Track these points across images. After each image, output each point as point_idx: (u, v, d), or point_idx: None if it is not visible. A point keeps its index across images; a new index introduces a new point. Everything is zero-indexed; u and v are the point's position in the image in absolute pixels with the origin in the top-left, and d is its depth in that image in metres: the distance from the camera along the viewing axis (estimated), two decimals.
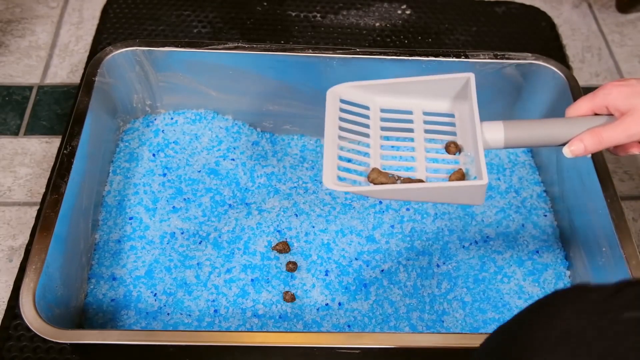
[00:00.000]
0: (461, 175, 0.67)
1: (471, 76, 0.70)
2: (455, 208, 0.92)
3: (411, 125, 0.73)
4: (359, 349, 0.67)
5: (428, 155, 0.71)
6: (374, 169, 0.69)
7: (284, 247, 0.85)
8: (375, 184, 0.68)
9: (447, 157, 0.70)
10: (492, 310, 0.83)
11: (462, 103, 0.72)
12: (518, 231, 0.89)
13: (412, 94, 0.73)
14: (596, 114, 0.66)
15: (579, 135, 0.64)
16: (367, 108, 0.74)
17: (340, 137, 0.71)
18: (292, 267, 0.84)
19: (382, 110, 0.74)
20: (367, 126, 0.73)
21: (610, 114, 0.65)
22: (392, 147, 0.72)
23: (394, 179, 0.68)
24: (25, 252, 0.87)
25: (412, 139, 0.72)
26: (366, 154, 0.71)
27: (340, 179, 0.68)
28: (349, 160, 0.70)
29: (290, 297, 0.82)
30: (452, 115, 0.73)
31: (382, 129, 0.73)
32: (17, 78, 1.08)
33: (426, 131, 0.72)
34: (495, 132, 0.67)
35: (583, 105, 0.66)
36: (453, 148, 0.70)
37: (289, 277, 0.84)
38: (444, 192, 0.66)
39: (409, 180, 0.68)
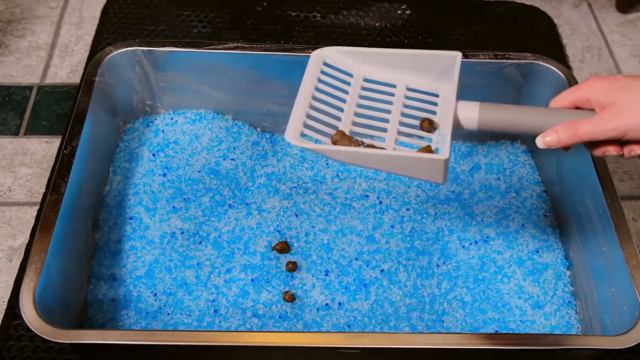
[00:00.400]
0: (427, 151, 0.65)
1: (458, 55, 0.69)
2: (455, 208, 0.92)
3: (391, 98, 0.71)
4: (359, 349, 0.67)
5: (400, 129, 0.69)
6: (339, 131, 0.67)
7: (284, 247, 0.85)
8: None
9: (421, 134, 0.68)
10: (492, 310, 0.83)
11: (448, 83, 0.70)
12: (518, 231, 0.89)
13: (399, 67, 0.71)
14: (578, 108, 0.65)
15: (555, 127, 0.63)
16: (350, 75, 0.72)
17: (314, 97, 0.70)
18: (292, 267, 0.84)
19: (365, 80, 0.72)
20: (345, 92, 0.71)
21: (593, 109, 0.63)
22: (366, 116, 0.70)
23: (357, 144, 0.67)
24: (25, 252, 0.87)
25: (388, 111, 0.70)
26: (338, 118, 0.69)
27: (303, 136, 0.67)
28: (319, 121, 0.69)
29: (290, 297, 0.82)
30: (436, 95, 0.71)
31: (360, 97, 0.71)
32: (17, 78, 1.08)
33: (405, 106, 0.70)
34: (470, 112, 0.66)
35: (566, 97, 0.65)
36: (427, 125, 0.68)
37: (289, 277, 0.84)
38: (402, 163, 0.64)
39: (372, 146, 0.66)
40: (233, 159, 0.95)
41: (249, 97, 0.96)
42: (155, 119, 0.98)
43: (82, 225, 0.82)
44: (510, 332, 0.80)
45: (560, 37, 1.20)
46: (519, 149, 0.99)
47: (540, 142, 0.64)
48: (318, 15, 1.20)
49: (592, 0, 1.28)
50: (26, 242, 0.89)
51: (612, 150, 0.63)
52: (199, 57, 0.91)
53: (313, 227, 0.88)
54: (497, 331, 0.81)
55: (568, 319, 0.82)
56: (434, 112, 0.70)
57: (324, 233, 0.88)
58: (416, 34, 1.17)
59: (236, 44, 0.91)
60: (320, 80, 0.71)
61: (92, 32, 1.15)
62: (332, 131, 0.68)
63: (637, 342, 0.67)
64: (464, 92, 0.95)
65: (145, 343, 0.66)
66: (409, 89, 0.72)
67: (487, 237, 0.89)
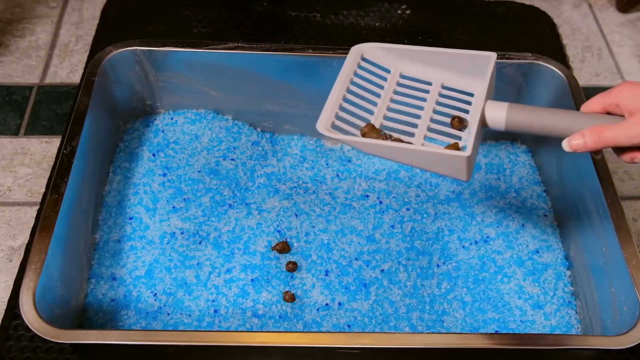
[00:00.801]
0: (455, 148, 0.66)
1: (493, 55, 0.69)
2: (455, 208, 0.92)
3: (425, 95, 0.72)
4: (359, 349, 0.67)
5: (431, 126, 0.70)
6: (368, 124, 0.69)
7: (284, 247, 0.85)
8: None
9: (451, 131, 0.69)
10: (492, 310, 0.83)
11: (482, 83, 0.70)
12: (518, 231, 0.89)
13: (437, 65, 0.72)
14: (609, 113, 0.65)
15: (582, 131, 0.63)
16: (387, 71, 0.73)
17: (349, 91, 0.71)
18: (292, 267, 0.84)
19: (402, 77, 0.73)
20: (381, 87, 0.72)
21: (622, 115, 0.63)
22: (399, 111, 0.71)
23: (385, 137, 0.68)
24: (25, 252, 0.87)
25: (421, 108, 0.71)
26: (370, 112, 0.70)
27: (335, 128, 0.69)
28: (351, 114, 0.70)
29: (290, 297, 0.82)
30: (471, 95, 0.72)
31: (395, 92, 0.72)
32: (17, 78, 1.09)
33: (438, 103, 0.71)
34: (498, 111, 0.67)
35: (597, 102, 0.64)
36: (457, 123, 0.69)
37: (289, 277, 0.84)
38: (427, 158, 0.65)
39: (399, 141, 0.67)
40: (233, 159, 0.95)
41: (249, 97, 0.96)
42: (155, 119, 0.98)
43: (82, 225, 0.82)
44: (510, 332, 0.80)
45: (560, 37, 1.20)
46: (519, 149, 0.99)
47: (566, 145, 0.64)
48: (318, 15, 1.20)
49: (592, 0, 1.28)
50: (26, 242, 0.89)
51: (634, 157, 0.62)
52: (199, 57, 0.91)
53: (313, 227, 0.88)
54: (497, 331, 0.81)
55: (568, 319, 0.82)
56: (466, 111, 0.70)
57: (324, 233, 0.88)
58: (416, 34, 1.17)
59: (236, 44, 0.91)
60: (356, 75, 0.72)
61: (92, 32, 1.15)
62: (362, 124, 0.69)
63: (637, 342, 0.67)
64: (463, 92, 0.95)
65: (145, 343, 0.67)
66: (444, 87, 0.72)
67: (487, 237, 0.89)
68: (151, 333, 0.72)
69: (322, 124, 0.68)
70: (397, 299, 0.83)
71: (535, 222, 0.91)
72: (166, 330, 0.77)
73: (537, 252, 0.88)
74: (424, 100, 0.72)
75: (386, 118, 0.71)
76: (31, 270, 0.69)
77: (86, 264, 0.82)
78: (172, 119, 0.98)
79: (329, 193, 0.93)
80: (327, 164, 0.96)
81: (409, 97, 0.72)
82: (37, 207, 0.93)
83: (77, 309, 0.79)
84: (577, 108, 0.87)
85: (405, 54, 0.73)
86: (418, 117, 0.71)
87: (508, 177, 0.96)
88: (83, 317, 0.80)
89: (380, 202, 0.92)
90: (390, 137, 0.68)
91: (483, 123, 0.68)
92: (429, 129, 0.70)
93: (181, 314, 0.80)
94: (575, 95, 0.88)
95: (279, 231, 0.87)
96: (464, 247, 0.88)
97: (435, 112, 0.71)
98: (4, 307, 0.83)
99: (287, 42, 1.14)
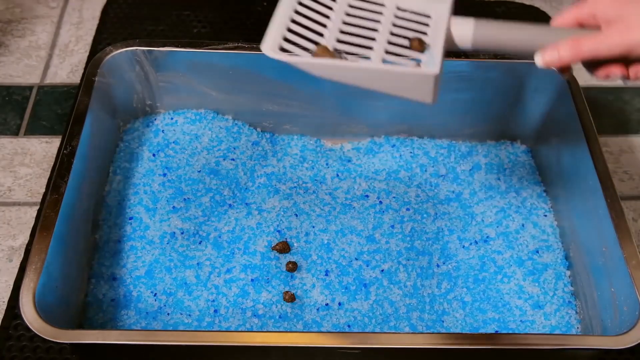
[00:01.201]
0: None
1: None
2: (455, 208, 0.92)
3: (379, 17, 0.66)
4: (359, 349, 0.67)
5: (389, 48, 0.63)
6: (320, 46, 0.63)
7: (284, 247, 0.85)
8: None
9: (410, 54, 0.64)
10: (492, 310, 0.83)
11: (441, 3, 0.66)
12: (518, 231, 0.89)
13: None
14: (583, 27, 0.59)
15: (555, 43, 0.57)
16: None
17: (297, 11, 0.65)
18: (292, 267, 0.84)
19: None
20: (330, 9, 0.66)
21: (598, 27, 0.57)
22: (352, 34, 0.65)
23: (339, 58, 0.62)
24: (25, 252, 0.87)
25: (376, 30, 0.65)
26: (321, 35, 0.64)
27: (283, 51, 0.64)
28: (300, 36, 0.65)
29: (290, 297, 0.82)
30: (428, 17, 0.66)
31: (346, 14, 0.66)
32: (17, 78, 1.08)
33: (394, 25, 0.66)
34: (465, 28, 0.62)
35: (569, 14, 0.59)
36: (417, 44, 0.63)
37: (289, 277, 0.84)
38: (389, 77, 0.60)
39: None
40: (233, 159, 0.95)
41: (249, 97, 0.96)
42: (155, 119, 0.98)
43: (82, 225, 0.82)
44: (510, 332, 0.80)
45: None
46: (519, 149, 0.99)
47: (539, 60, 0.59)
48: None
49: None
50: (26, 242, 0.89)
51: (616, 72, 0.57)
52: (199, 57, 0.91)
53: (313, 227, 0.88)
54: (497, 331, 0.81)
55: (568, 319, 0.82)
56: (425, 34, 0.65)
57: (324, 233, 0.88)
58: None
59: (236, 44, 0.91)
60: None
61: (92, 32, 1.15)
62: (313, 47, 0.64)
63: (637, 342, 0.67)
64: (463, 92, 0.96)
65: (145, 343, 0.67)
66: (399, 9, 0.67)
67: (487, 237, 0.89)
68: (151, 333, 0.72)
69: (268, 45, 0.62)
70: (397, 299, 0.83)
71: (535, 222, 0.91)
72: (166, 330, 0.77)
73: (537, 252, 0.88)
74: (378, 22, 0.66)
75: (339, 41, 0.65)
76: (31, 270, 0.69)
77: (86, 264, 0.82)
78: (172, 119, 0.98)
79: (329, 193, 0.93)
80: (327, 164, 0.96)
81: (361, 20, 0.66)
82: (37, 207, 0.93)
83: (77, 309, 0.79)
84: (577, 109, 0.87)
85: None
86: (373, 39, 0.64)
87: (508, 177, 0.96)
88: (83, 317, 0.80)
89: (380, 202, 0.92)
90: (346, 59, 0.62)
91: (449, 41, 0.63)
92: (387, 52, 0.64)
93: (181, 314, 0.80)
94: (575, 96, 0.88)
95: (279, 231, 0.87)
96: (464, 247, 0.88)
97: (392, 34, 0.65)
98: (4, 307, 0.83)
99: None
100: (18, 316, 0.82)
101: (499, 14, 1.22)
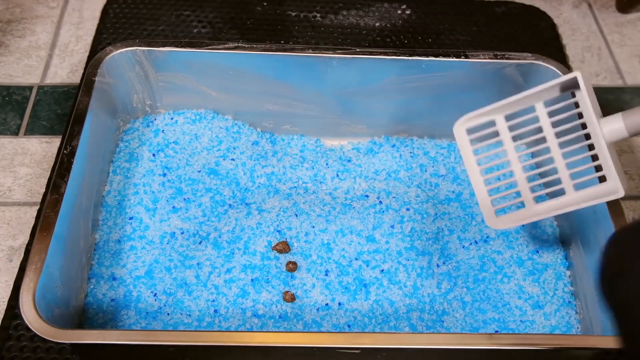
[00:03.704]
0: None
1: (577, 74, 0.71)
2: (455, 208, 0.92)
3: (541, 129, 0.76)
4: (359, 349, 0.67)
5: (571, 172, 0.75)
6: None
7: (284, 247, 0.85)
8: None
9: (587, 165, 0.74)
10: (492, 310, 0.83)
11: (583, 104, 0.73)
12: (518, 231, 0.89)
13: (532, 106, 0.77)
14: None
15: None
16: (493, 123, 0.78)
17: (482, 170, 0.79)
18: (292, 267, 0.84)
19: (507, 118, 0.78)
20: (500, 144, 0.78)
21: None
22: (529, 155, 0.83)
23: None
24: (25, 252, 0.87)
25: (551, 159, 0.76)
26: (511, 174, 0.79)
27: (498, 212, 0.78)
28: (498, 189, 0.79)
29: (290, 297, 0.82)
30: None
31: (514, 138, 0.79)
32: (17, 78, 1.08)
33: (560, 146, 0.75)
34: (615, 125, 0.69)
35: None
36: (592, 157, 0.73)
37: (289, 277, 0.84)
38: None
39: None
40: (233, 159, 0.95)
41: (249, 97, 0.96)
42: (155, 119, 0.98)
43: (82, 225, 0.82)
44: (510, 332, 0.80)
45: (560, 37, 1.20)
46: (519, 149, 0.99)
47: None
48: (318, 15, 1.20)
49: (592, 0, 1.28)
50: (26, 242, 0.89)
51: None
52: (199, 57, 0.91)
53: (313, 227, 0.88)
54: (497, 331, 0.81)
55: (568, 319, 0.82)
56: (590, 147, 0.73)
57: (324, 233, 0.88)
58: (416, 34, 1.17)
59: (236, 44, 0.91)
60: (475, 151, 0.79)
61: (92, 32, 1.15)
62: (514, 190, 0.79)
63: None
64: (463, 92, 0.96)
65: (145, 343, 0.67)
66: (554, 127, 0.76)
67: (487, 237, 0.89)
68: (151, 333, 0.72)
69: (491, 219, 0.77)
70: (397, 299, 0.83)
71: (535, 222, 0.91)
72: (166, 330, 0.77)
73: (537, 252, 0.88)
74: (548, 151, 0.76)
75: (524, 169, 0.79)
76: (31, 270, 0.69)
77: (86, 264, 0.82)
78: (172, 119, 0.98)
79: (329, 193, 0.93)
80: (327, 164, 0.96)
81: (527, 137, 0.78)
82: (37, 207, 0.93)
83: (77, 309, 0.79)
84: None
85: (502, 110, 0.77)
86: (555, 171, 0.76)
87: (508, 177, 0.95)
88: (83, 317, 0.80)
89: (380, 202, 0.92)
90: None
91: (608, 140, 0.70)
92: (571, 176, 0.75)
93: (181, 314, 0.80)
94: None
95: (279, 231, 0.87)
96: (463, 247, 0.88)
97: (564, 155, 0.75)
98: (4, 307, 0.83)
99: (287, 42, 1.14)
100: (18, 316, 0.82)
101: (499, 14, 1.22)
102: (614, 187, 0.69)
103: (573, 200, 0.74)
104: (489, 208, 0.76)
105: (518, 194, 0.79)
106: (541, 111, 0.75)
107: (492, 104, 0.77)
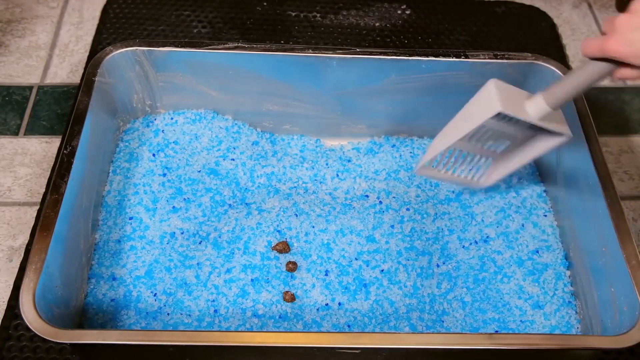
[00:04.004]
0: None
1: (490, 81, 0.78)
2: (455, 208, 0.92)
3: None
4: (359, 349, 0.67)
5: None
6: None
7: (284, 247, 0.85)
8: None
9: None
10: (492, 310, 0.83)
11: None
12: (518, 231, 0.89)
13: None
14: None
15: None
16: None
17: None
18: (292, 267, 0.84)
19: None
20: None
21: None
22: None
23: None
24: (25, 252, 0.87)
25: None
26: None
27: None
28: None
29: (290, 297, 0.82)
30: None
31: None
32: (17, 78, 1.08)
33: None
34: (537, 105, 0.76)
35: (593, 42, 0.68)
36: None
37: (289, 277, 0.84)
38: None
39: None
40: (233, 159, 0.95)
41: (249, 97, 0.96)
42: (155, 119, 0.98)
43: (82, 225, 0.82)
44: (510, 332, 0.80)
45: (560, 37, 1.20)
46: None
47: (617, 76, 0.68)
48: (318, 15, 1.20)
49: (592, 0, 1.28)
50: (26, 242, 0.89)
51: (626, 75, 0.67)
52: (199, 57, 0.91)
53: (313, 227, 0.88)
54: (497, 331, 0.81)
55: (568, 319, 0.82)
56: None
57: (323, 233, 0.88)
58: (416, 34, 1.17)
59: (236, 44, 0.91)
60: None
61: (92, 32, 1.15)
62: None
63: (637, 342, 0.67)
64: (463, 92, 0.95)
65: (145, 343, 0.67)
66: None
67: (487, 237, 0.89)
68: (151, 333, 0.72)
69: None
70: (397, 299, 0.83)
71: (535, 222, 0.91)
72: (166, 330, 0.77)
73: (537, 252, 0.88)
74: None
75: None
76: (31, 270, 0.69)
77: (86, 264, 0.82)
78: (172, 119, 0.98)
79: (329, 193, 0.93)
80: (327, 164, 0.96)
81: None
82: (37, 207, 0.93)
83: (77, 309, 0.79)
84: (577, 109, 0.87)
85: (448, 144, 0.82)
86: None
87: (508, 177, 0.95)
88: (83, 317, 0.80)
89: (380, 202, 0.92)
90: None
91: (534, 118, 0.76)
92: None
93: (181, 314, 0.80)
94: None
95: (278, 231, 0.87)
96: (464, 247, 0.88)
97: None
98: (4, 307, 0.83)
99: (287, 42, 1.14)
100: (18, 316, 0.82)
101: (499, 14, 1.22)
102: (561, 132, 0.76)
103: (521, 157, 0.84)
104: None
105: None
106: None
107: (438, 142, 0.82)
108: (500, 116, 0.77)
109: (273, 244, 0.86)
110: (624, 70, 0.67)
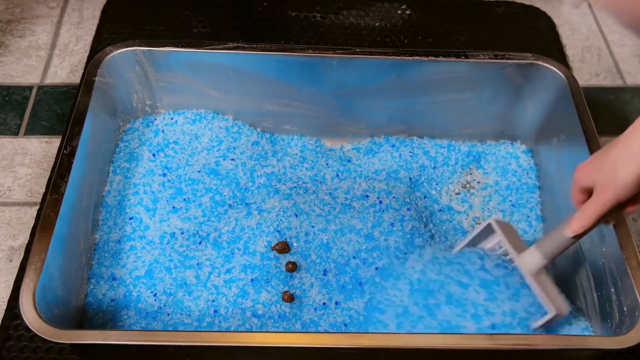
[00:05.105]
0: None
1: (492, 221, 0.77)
2: (455, 208, 0.92)
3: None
4: (359, 349, 0.67)
5: None
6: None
7: (283, 247, 0.85)
8: None
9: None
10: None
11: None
12: (518, 231, 0.89)
13: None
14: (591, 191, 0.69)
15: (571, 219, 0.70)
16: None
17: None
18: (292, 267, 0.84)
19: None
20: None
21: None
22: None
23: None
24: (25, 252, 0.87)
25: None
26: None
27: None
28: None
29: (288, 297, 0.82)
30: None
31: None
32: (17, 78, 1.09)
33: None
34: (533, 259, 0.74)
35: (576, 195, 0.71)
36: None
37: (288, 277, 0.84)
38: None
39: None
40: (233, 159, 0.95)
41: (249, 97, 0.96)
42: (155, 119, 0.98)
43: (82, 225, 0.82)
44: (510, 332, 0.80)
45: (560, 37, 1.20)
46: (519, 149, 0.99)
47: (569, 232, 0.70)
48: (318, 15, 1.20)
49: (592, 0, 1.28)
50: (26, 242, 0.89)
51: (632, 209, 0.68)
52: (199, 57, 0.91)
53: (313, 227, 0.88)
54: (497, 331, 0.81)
55: (568, 319, 0.82)
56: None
57: (323, 233, 0.88)
58: (416, 34, 1.17)
59: (236, 44, 0.91)
60: None
61: (92, 32, 1.15)
62: None
63: (637, 342, 0.67)
64: (463, 92, 0.96)
65: (145, 343, 0.67)
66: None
67: None
68: (151, 333, 0.72)
69: None
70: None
71: (535, 222, 0.90)
72: (166, 330, 0.77)
73: None
74: None
75: None
76: (31, 270, 0.69)
77: (86, 264, 0.82)
78: (172, 119, 0.98)
79: (329, 193, 0.93)
80: (327, 164, 0.96)
81: None
82: (37, 207, 0.93)
83: (77, 309, 0.79)
84: (577, 109, 0.87)
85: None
86: None
87: (508, 177, 0.96)
88: (83, 317, 0.80)
89: (381, 202, 0.92)
90: None
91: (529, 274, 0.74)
92: None
93: (181, 314, 0.80)
94: (576, 96, 0.88)
95: (278, 231, 0.87)
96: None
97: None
98: (4, 307, 0.83)
99: (287, 42, 1.14)
100: (18, 316, 0.82)
101: (499, 14, 1.22)
102: (546, 309, 0.73)
103: None
104: None
105: None
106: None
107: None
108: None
109: (273, 244, 0.86)
110: (629, 209, 0.68)
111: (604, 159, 0.65)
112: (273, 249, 0.86)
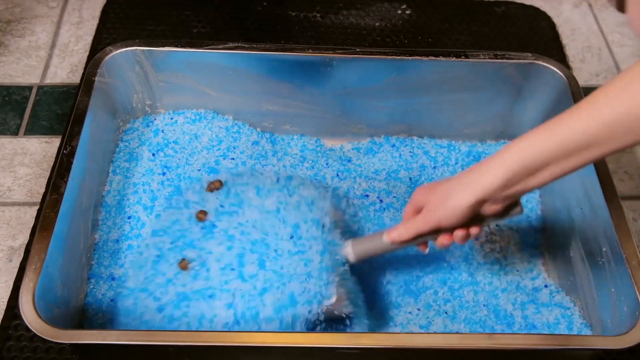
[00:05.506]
0: None
1: None
2: None
3: None
4: (359, 349, 0.67)
5: None
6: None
7: (216, 186, 0.83)
8: None
9: None
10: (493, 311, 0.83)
11: None
12: (517, 231, 0.89)
13: None
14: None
15: (397, 226, 0.73)
16: None
17: None
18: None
19: None
20: None
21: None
22: None
23: None
24: (25, 252, 0.87)
25: None
26: None
27: None
28: None
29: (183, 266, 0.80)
30: None
31: None
32: (17, 78, 1.08)
33: None
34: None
35: (409, 210, 0.73)
36: None
37: None
38: None
39: None
40: (233, 159, 0.95)
41: (249, 97, 0.96)
42: (155, 119, 0.98)
43: (82, 225, 0.82)
44: (510, 332, 0.80)
45: (560, 37, 1.20)
46: None
47: (386, 238, 0.73)
48: (318, 15, 1.20)
49: (592, 0, 1.28)
50: (26, 242, 0.89)
51: (445, 240, 0.71)
52: (199, 57, 0.91)
53: None
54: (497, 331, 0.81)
55: (568, 319, 0.82)
56: None
57: None
58: (416, 34, 1.17)
59: (236, 44, 0.91)
60: None
61: (92, 32, 1.15)
62: None
63: (637, 342, 0.67)
64: (463, 92, 0.96)
65: (145, 343, 0.66)
66: None
67: (487, 237, 0.89)
68: (151, 333, 0.72)
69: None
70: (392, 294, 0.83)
71: (534, 222, 0.91)
72: (166, 330, 0.77)
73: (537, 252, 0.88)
74: None
75: None
76: (31, 270, 0.69)
77: (86, 264, 0.82)
78: (172, 119, 0.97)
79: None
80: (327, 164, 0.96)
81: None
82: (37, 207, 0.93)
83: (76, 309, 0.79)
84: None
85: None
86: None
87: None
88: (83, 317, 0.80)
89: (381, 201, 0.92)
90: None
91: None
92: None
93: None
94: (575, 95, 0.88)
95: None
96: (463, 247, 0.88)
97: None
98: (4, 307, 0.83)
99: (287, 42, 1.14)
100: (18, 316, 0.82)
101: (499, 14, 1.22)
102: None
103: None
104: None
105: None
106: None
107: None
108: None
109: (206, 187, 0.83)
110: (441, 238, 0.71)
111: (443, 185, 0.68)
112: (207, 189, 0.83)
